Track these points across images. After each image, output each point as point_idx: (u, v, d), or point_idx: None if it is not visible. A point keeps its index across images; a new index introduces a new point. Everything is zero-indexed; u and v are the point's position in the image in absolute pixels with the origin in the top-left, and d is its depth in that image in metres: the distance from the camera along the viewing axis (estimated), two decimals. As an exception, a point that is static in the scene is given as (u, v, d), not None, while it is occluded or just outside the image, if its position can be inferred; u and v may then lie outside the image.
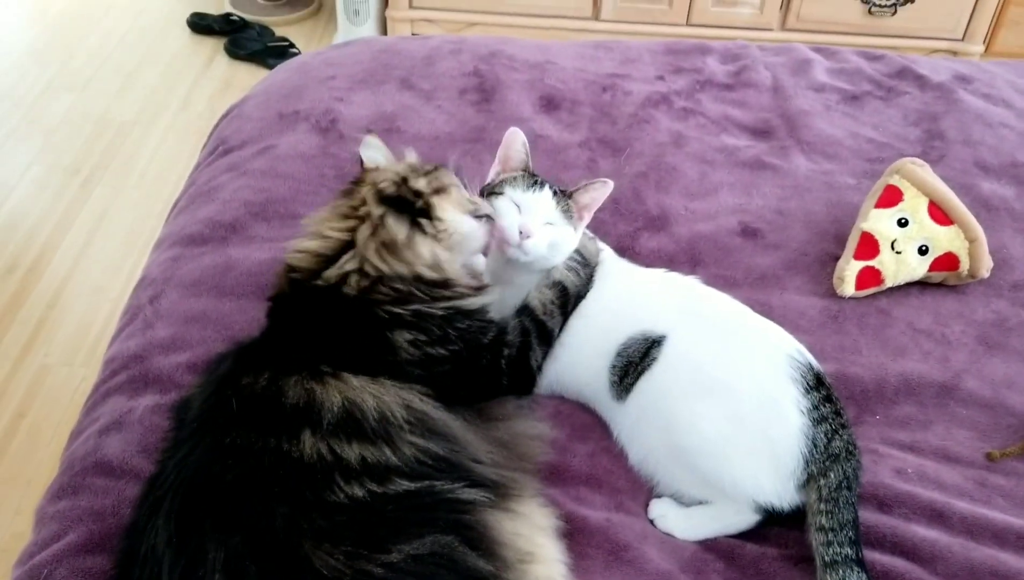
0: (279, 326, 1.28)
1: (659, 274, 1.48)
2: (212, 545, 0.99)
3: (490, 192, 1.43)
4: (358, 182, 1.35)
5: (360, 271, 1.25)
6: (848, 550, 1.16)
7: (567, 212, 1.42)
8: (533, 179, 1.43)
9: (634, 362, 1.32)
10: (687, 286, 1.44)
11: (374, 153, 1.40)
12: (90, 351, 2.47)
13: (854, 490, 1.22)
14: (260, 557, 0.98)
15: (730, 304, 1.41)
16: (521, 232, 1.36)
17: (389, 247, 1.26)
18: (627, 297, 1.41)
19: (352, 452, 1.07)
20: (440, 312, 1.27)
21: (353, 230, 1.28)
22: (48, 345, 2.49)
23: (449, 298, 1.28)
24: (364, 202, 1.30)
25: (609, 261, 1.49)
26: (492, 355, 1.32)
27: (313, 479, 1.04)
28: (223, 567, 0.97)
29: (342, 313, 1.24)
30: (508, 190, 1.41)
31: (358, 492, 1.04)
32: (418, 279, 1.26)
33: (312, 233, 1.31)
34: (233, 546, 0.98)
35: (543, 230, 1.39)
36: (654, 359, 1.31)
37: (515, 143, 1.46)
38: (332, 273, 1.26)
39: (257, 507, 1.02)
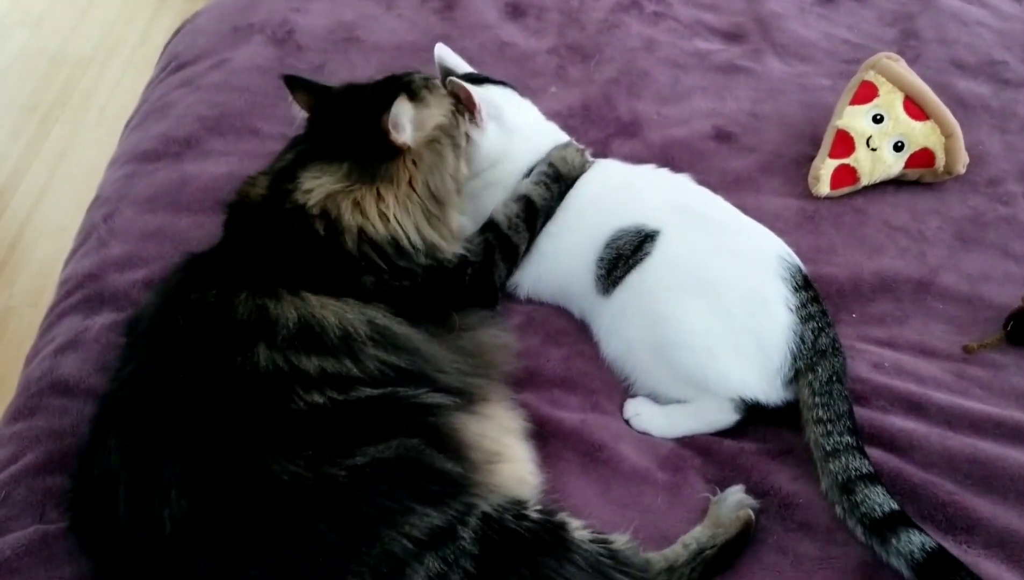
0: (235, 241, 1.24)
1: (650, 170, 1.44)
2: (167, 462, 0.96)
3: None
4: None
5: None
6: (848, 438, 1.14)
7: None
8: None
9: (625, 255, 1.29)
10: (680, 183, 1.41)
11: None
12: (54, 292, 2.41)
13: (845, 384, 1.21)
14: (216, 469, 0.96)
15: (722, 204, 1.39)
16: None
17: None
18: (619, 190, 1.38)
19: (311, 363, 1.04)
20: (419, 270, 1.25)
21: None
22: (11, 287, 2.42)
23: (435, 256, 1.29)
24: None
25: (598, 161, 1.46)
26: (455, 273, 1.29)
27: (270, 389, 1.01)
28: (178, 482, 0.95)
29: (313, 248, 1.20)
30: None
31: (318, 399, 1.01)
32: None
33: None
34: (188, 461, 0.96)
35: None
36: (647, 254, 1.28)
37: None
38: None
39: (210, 420, 0.99)
